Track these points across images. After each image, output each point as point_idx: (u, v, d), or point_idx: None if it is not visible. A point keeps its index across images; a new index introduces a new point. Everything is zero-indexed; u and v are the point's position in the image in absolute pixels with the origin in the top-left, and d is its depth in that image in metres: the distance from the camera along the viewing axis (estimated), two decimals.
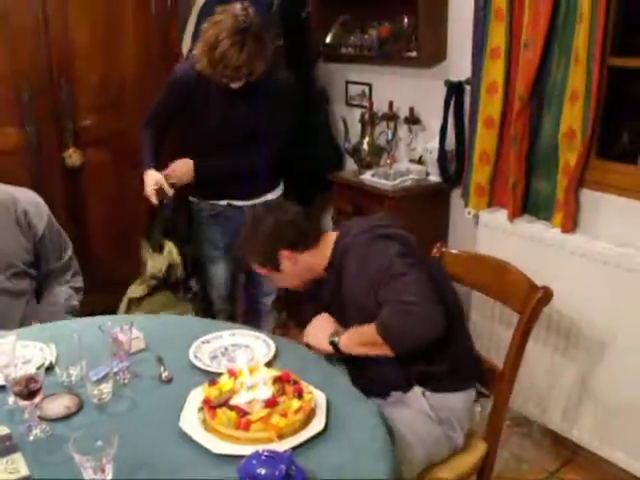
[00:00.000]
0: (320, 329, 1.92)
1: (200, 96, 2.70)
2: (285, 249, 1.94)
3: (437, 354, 1.81)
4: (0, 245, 2.17)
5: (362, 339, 1.81)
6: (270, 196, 2.91)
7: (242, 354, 1.60)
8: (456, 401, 1.87)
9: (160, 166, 2.76)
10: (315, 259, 1.97)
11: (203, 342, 1.85)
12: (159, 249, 2.88)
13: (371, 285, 1.79)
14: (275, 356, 1.75)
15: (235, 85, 2.60)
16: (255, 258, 2.01)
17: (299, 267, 1.97)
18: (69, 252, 2.35)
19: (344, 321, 1.90)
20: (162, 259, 2.88)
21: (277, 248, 1.93)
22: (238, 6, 2.52)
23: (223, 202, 2.88)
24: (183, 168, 2.78)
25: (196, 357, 1.77)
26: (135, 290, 2.91)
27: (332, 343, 1.85)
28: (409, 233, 1.92)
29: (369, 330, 1.77)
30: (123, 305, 2.93)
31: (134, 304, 2.92)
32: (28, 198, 2.29)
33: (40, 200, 2.33)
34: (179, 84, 2.75)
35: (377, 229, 1.89)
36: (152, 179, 2.68)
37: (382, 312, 1.75)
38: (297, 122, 3.02)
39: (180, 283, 2.96)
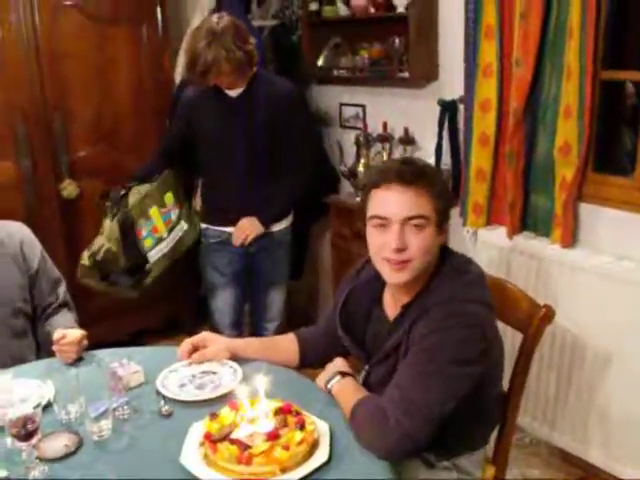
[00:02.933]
0: (329, 367, 1.76)
1: (202, 114, 2.78)
2: (449, 219, 1.66)
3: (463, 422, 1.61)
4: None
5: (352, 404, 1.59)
6: (278, 226, 2.92)
7: (242, 388, 1.57)
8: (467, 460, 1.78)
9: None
10: (435, 256, 1.64)
11: (171, 371, 1.83)
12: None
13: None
14: (276, 386, 1.72)
15: (232, 93, 2.69)
16: (434, 194, 1.57)
17: (435, 247, 1.62)
18: (63, 287, 2.28)
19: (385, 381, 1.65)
20: (101, 238, 2.84)
21: (450, 209, 1.68)
22: (215, 15, 2.67)
23: (230, 229, 2.87)
24: (251, 227, 2.82)
25: (164, 386, 1.75)
26: (85, 259, 2.84)
27: (328, 382, 1.70)
28: (491, 304, 1.63)
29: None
30: (77, 269, 2.87)
31: (83, 272, 2.85)
32: (21, 232, 2.23)
33: (32, 234, 2.27)
34: (183, 106, 2.88)
35: (460, 306, 1.56)
36: None
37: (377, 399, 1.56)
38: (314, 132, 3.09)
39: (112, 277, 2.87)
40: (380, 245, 1.59)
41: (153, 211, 2.83)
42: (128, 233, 2.79)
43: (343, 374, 1.69)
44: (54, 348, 1.90)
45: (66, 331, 1.93)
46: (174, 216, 2.86)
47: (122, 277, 2.84)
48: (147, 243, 2.84)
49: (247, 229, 2.81)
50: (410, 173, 1.56)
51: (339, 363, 1.75)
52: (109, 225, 2.81)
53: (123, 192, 2.83)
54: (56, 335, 1.90)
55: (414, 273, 1.59)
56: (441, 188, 1.61)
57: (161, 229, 2.86)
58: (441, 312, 1.54)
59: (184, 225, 2.92)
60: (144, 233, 2.82)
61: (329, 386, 1.69)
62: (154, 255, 2.87)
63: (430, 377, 1.50)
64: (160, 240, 2.85)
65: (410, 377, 1.52)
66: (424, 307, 1.57)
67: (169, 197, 2.86)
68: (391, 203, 1.56)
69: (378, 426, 1.47)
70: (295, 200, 2.92)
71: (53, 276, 2.25)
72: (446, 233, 1.66)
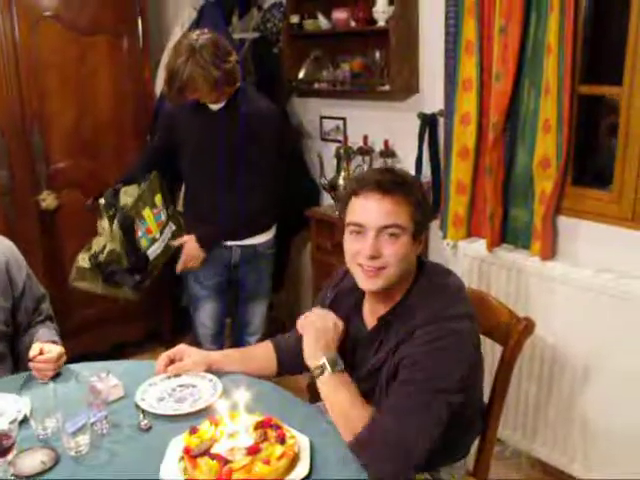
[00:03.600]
0: (318, 334, 1.68)
1: (183, 125, 2.79)
2: (426, 230, 1.68)
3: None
4: None
5: (344, 404, 1.57)
6: (260, 239, 2.90)
7: (223, 401, 1.56)
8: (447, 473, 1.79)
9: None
10: (411, 266, 1.66)
11: (150, 384, 1.82)
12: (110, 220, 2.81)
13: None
14: (256, 399, 1.71)
15: (214, 107, 2.71)
16: (412, 204, 1.58)
17: (411, 257, 1.63)
18: (47, 303, 2.21)
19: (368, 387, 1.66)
20: (101, 239, 2.82)
21: (429, 217, 1.71)
22: (197, 31, 2.67)
23: None
24: (193, 252, 2.79)
25: (142, 400, 1.74)
26: (84, 260, 2.81)
27: (318, 369, 1.64)
28: (473, 314, 1.63)
29: (357, 407, 1.56)
30: (72, 273, 2.85)
31: (79, 272, 2.83)
32: (6, 252, 2.11)
33: (17, 252, 2.17)
34: (164, 117, 2.89)
35: (447, 325, 1.55)
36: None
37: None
38: (286, 151, 3.04)
39: (117, 277, 2.83)
40: (355, 251, 1.60)
41: (146, 212, 2.81)
42: (129, 233, 2.77)
43: (333, 363, 1.63)
44: (30, 365, 1.84)
45: (43, 346, 1.87)
46: (164, 217, 2.85)
47: (127, 277, 2.81)
48: (143, 243, 2.81)
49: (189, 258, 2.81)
50: (388, 182, 1.57)
51: (330, 317, 1.73)
52: (108, 226, 2.78)
53: (113, 191, 2.82)
54: (32, 352, 1.84)
55: (388, 280, 1.60)
56: (419, 198, 1.61)
57: (154, 230, 2.83)
58: (427, 334, 1.53)
59: (172, 226, 2.89)
60: (139, 233, 2.80)
61: (317, 378, 1.64)
62: (151, 255, 2.85)
63: (427, 407, 1.49)
64: (154, 240, 2.83)
65: (407, 408, 1.50)
66: (407, 328, 1.57)
67: (159, 198, 2.84)
68: (368, 211, 1.57)
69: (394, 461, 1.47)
70: (251, 220, 2.84)
71: (38, 294, 2.18)
72: (422, 243, 1.66)
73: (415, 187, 1.63)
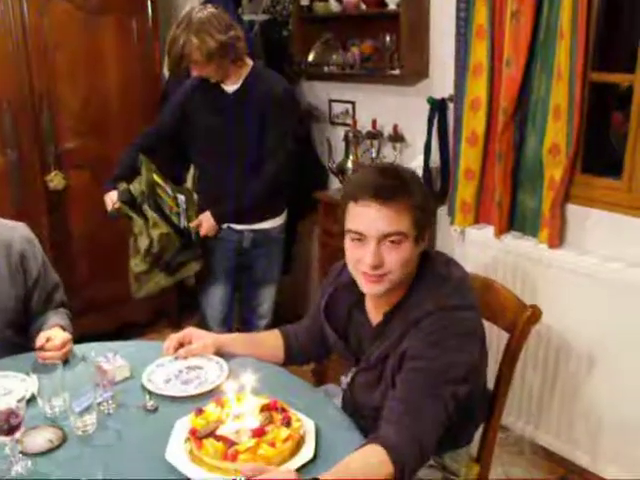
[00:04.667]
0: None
1: (196, 105, 2.79)
2: (430, 229, 1.63)
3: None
4: None
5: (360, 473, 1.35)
6: (271, 223, 2.91)
7: (229, 383, 1.57)
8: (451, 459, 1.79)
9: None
10: (414, 263, 1.62)
11: (157, 365, 1.83)
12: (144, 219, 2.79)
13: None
14: (262, 382, 1.72)
15: (228, 88, 2.73)
16: (413, 208, 1.53)
17: (414, 257, 1.60)
18: (60, 292, 2.18)
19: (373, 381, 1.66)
20: (144, 236, 2.79)
21: (431, 218, 1.66)
22: (200, 6, 2.72)
23: (223, 225, 2.85)
24: (209, 222, 2.79)
25: (149, 381, 1.75)
26: (139, 266, 2.82)
27: None
28: (476, 305, 1.62)
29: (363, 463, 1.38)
30: (131, 281, 2.87)
31: (139, 279, 2.85)
32: (22, 237, 2.08)
33: (33, 236, 2.14)
34: (180, 93, 2.89)
35: (450, 315, 1.55)
36: (109, 200, 2.79)
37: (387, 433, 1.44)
38: (300, 134, 3.03)
39: (173, 264, 2.83)
40: (357, 259, 1.57)
41: (160, 192, 2.80)
42: (163, 213, 2.77)
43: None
44: (37, 354, 1.81)
45: (50, 333, 1.87)
46: (170, 191, 2.84)
47: (185, 253, 2.80)
48: (175, 220, 2.80)
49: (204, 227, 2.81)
50: (387, 190, 1.51)
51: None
52: (142, 218, 2.76)
53: (126, 190, 2.79)
54: (38, 342, 1.83)
55: (391, 285, 1.58)
56: (421, 199, 1.55)
57: (173, 204, 2.82)
58: (432, 325, 1.52)
59: (181, 196, 2.88)
60: (167, 212, 2.79)
61: None
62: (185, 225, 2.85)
63: (435, 399, 1.48)
64: (178, 214, 2.82)
65: (417, 402, 1.48)
66: (412, 318, 1.56)
67: (158, 177, 2.83)
68: (368, 220, 1.53)
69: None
70: (256, 204, 2.84)
71: (52, 283, 2.16)
72: (426, 241, 1.63)
73: (416, 187, 1.56)
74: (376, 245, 1.52)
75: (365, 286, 1.60)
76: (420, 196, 1.55)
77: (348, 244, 1.60)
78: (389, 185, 1.52)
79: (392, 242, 1.52)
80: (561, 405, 2.63)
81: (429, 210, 1.63)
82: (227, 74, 2.70)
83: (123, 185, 2.78)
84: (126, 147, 2.93)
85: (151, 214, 2.73)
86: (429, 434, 1.44)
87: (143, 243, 2.74)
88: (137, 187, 2.77)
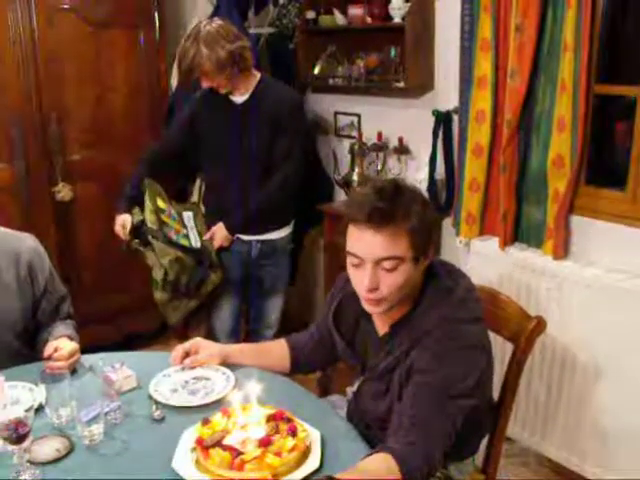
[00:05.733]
0: None
1: (206, 117, 2.81)
2: (433, 245, 1.61)
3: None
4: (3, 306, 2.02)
5: None
6: (278, 234, 2.94)
7: (235, 393, 1.58)
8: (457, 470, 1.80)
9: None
10: (417, 280, 1.63)
11: (164, 376, 1.84)
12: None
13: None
14: (268, 393, 1.73)
15: (237, 99, 2.75)
16: (408, 232, 1.52)
17: (415, 276, 1.59)
18: (67, 303, 2.19)
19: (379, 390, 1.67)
20: (157, 267, 2.81)
21: (433, 235, 1.60)
22: (207, 20, 2.76)
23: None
24: (221, 234, 2.82)
25: (156, 391, 1.76)
26: (161, 296, 2.84)
27: None
28: (482, 317, 1.63)
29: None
30: (161, 311, 2.89)
31: (167, 308, 2.87)
32: (30, 248, 2.09)
33: (41, 247, 2.14)
34: (189, 104, 2.91)
35: (456, 328, 1.56)
36: (120, 223, 2.81)
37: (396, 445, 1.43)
38: (307, 146, 3.07)
39: (192, 285, 2.84)
40: (356, 282, 1.59)
41: (165, 218, 2.82)
42: (169, 240, 2.80)
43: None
44: (45, 364, 1.81)
45: (58, 343, 1.87)
46: (174, 212, 2.86)
47: (201, 270, 2.82)
48: (184, 242, 2.83)
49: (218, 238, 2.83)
50: (382, 214, 1.50)
51: None
52: (151, 251, 2.79)
53: (137, 225, 2.82)
54: (46, 352, 1.84)
55: (390, 306, 1.59)
56: (418, 220, 1.53)
57: (179, 227, 2.84)
58: (438, 338, 1.53)
59: (188, 213, 2.89)
60: (174, 238, 2.81)
61: None
62: (197, 244, 2.86)
63: (442, 414, 1.48)
64: (186, 235, 2.84)
65: (424, 418, 1.48)
66: (418, 332, 1.57)
67: (161, 202, 2.84)
68: (363, 245, 1.53)
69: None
70: (264, 213, 2.86)
71: (58, 294, 2.16)
72: (430, 257, 1.62)
73: (413, 207, 1.53)
74: (372, 269, 1.53)
75: (366, 307, 1.62)
76: (417, 217, 1.53)
77: (349, 265, 1.61)
78: (384, 209, 1.50)
79: (388, 266, 1.53)
80: (567, 416, 2.63)
81: (430, 228, 1.58)
82: (236, 85, 2.73)
83: (135, 213, 2.82)
84: (137, 164, 2.95)
85: (157, 244, 2.76)
86: (436, 448, 1.45)
87: (158, 274, 2.78)
88: (141, 218, 2.81)
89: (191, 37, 2.64)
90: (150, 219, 2.78)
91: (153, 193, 2.82)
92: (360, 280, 1.56)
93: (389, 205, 1.51)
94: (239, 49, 2.66)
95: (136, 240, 2.81)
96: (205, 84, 2.71)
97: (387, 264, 1.52)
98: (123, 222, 2.80)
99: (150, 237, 2.75)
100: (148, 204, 2.79)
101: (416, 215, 1.53)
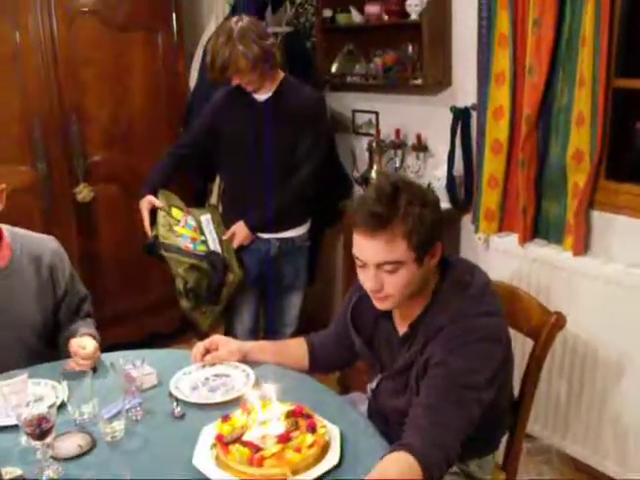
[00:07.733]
0: None
1: (228, 115, 2.82)
2: (438, 243, 1.60)
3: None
4: (21, 309, 2.04)
5: None
6: (296, 231, 2.95)
7: (255, 390, 1.59)
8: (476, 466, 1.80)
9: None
10: (428, 276, 1.63)
11: (184, 373, 1.85)
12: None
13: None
14: (287, 389, 1.73)
15: (260, 97, 2.76)
16: (406, 235, 1.51)
17: (422, 274, 1.60)
18: (87, 304, 2.22)
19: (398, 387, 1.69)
20: (178, 278, 2.82)
21: (436, 234, 1.58)
22: (235, 17, 2.75)
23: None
24: (243, 233, 2.83)
25: (177, 388, 1.78)
26: (186, 304, 2.85)
27: None
28: (501, 311, 1.64)
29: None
30: (192, 319, 2.92)
31: (195, 315, 2.89)
32: (52, 250, 2.11)
33: (62, 249, 2.16)
34: (210, 104, 2.91)
35: (473, 322, 1.56)
36: (144, 206, 2.78)
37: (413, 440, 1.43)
38: (331, 139, 3.09)
39: (213, 290, 2.84)
40: (363, 282, 1.62)
41: (179, 230, 2.83)
42: (181, 251, 2.79)
43: None
44: (68, 362, 1.87)
45: (83, 341, 1.90)
46: (191, 221, 2.87)
47: (218, 274, 2.81)
48: (201, 249, 2.82)
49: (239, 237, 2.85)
50: (377, 220, 1.49)
51: None
52: (167, 263, 2.79)
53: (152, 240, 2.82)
54: (73, 348, 1.87)
55: (398, 302, 1.61)
56: (416, 222, 1.51)
57: (196, 235, 2.85)
58: (454, 331, 1.54)
59: (206, 215, 2.90)
60: (191, 247, 2.81)
61: None
62: (217, 248, 2.86)
63: (459, 405, 1.48)
64: (204, 241, 2.85)
65: (441, 409, 1.47)
66: (435, 326, 1.58)
67: (176, 212, 2.86)
68: (364, 249, 1.56)
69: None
70: (284, 212, 2.88)
71: (79, 295, 2.19)
72: (438, 255, 1.61)
73: (410, 210, 1.50)
74: (375, 271, 1.56)
75: (375, 303, 1.65)
76: (416, 219, 1.51)
77: (356, 266, 1.63)
78: (380, 214, 1.50)
79: (389, 269, 1.54)
80: (588, 414, 2.61)
81: (431, 228, 1.55)
82: (264, 82, 2.74)
83: (162, 193, 2.82)
84: (163, 157, 2.97)
85: (170, 256, 2.76)
86: (453, 439, 1.45)
87: (180, 284, 2.80)
88: (154, 234, 2.79)
89: (223, 35, 2.64)
90: (163, 234, 2.78)
91: (168, 203, 2.84)
92: (365, 280, 1.60)
93: (385, 209, 1.50)
94: (270, 46, 2.69)
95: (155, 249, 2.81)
96: (235, 81, 2.71)
97: (388, 267, 1.54)
98: (149, 201, 2.78)
99: (163, 251, 2.76)
100: (161, 220, 2.79)
101: (414, 217, 1.51)
